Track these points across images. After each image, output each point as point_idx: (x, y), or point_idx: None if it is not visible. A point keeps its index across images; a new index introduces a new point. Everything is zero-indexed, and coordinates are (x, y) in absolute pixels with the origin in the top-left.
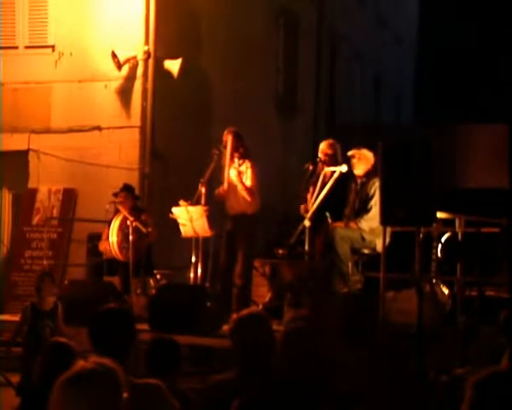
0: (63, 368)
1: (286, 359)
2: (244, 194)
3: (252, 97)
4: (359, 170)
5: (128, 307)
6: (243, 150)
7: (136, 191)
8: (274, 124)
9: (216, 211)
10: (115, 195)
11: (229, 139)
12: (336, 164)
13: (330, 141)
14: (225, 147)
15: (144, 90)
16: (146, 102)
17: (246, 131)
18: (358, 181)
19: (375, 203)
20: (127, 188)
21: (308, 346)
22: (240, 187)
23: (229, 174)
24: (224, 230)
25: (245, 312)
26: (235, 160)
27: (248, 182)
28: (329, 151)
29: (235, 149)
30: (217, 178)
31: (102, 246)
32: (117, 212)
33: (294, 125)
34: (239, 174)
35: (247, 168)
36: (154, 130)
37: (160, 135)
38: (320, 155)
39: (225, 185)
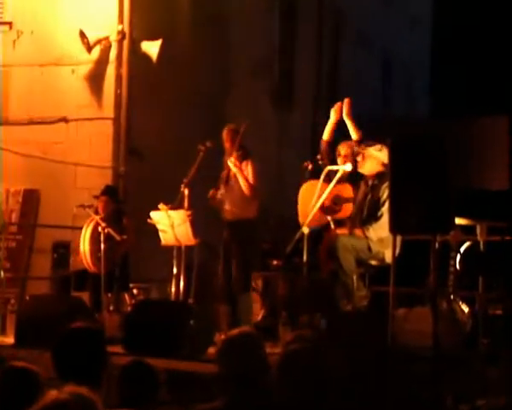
0: (26, 400)
1: (285, 385)
2: (245, 189)
3: (242, 87)
4: (365, 169)
5: (99, 327)
6: (242, 152)
7: None
8: (268, 117)
9: (202, 216)
10: (96, 198)
11: (227, 139)
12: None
13: (349, 143)
14: (230, 144)
15: (118, 77)
16: (120, 90)
17: (236, 125)
18: (369, 182)
19: (386, 210)
20: (109, 191)
21: (312, 370)
22: (242, 181)
23: (229, 170)
24: (220, 240)
25: (235, 332)
26: (234, 155)
27: (250, 179)
28: (347, 153)
29: (234, 148)
30: (205, 176)
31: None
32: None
33: (292, 119)
34: (239, 164)
35: (247, 165)
36: (130, 122)
37: (136, 128)
38: (340, 160)
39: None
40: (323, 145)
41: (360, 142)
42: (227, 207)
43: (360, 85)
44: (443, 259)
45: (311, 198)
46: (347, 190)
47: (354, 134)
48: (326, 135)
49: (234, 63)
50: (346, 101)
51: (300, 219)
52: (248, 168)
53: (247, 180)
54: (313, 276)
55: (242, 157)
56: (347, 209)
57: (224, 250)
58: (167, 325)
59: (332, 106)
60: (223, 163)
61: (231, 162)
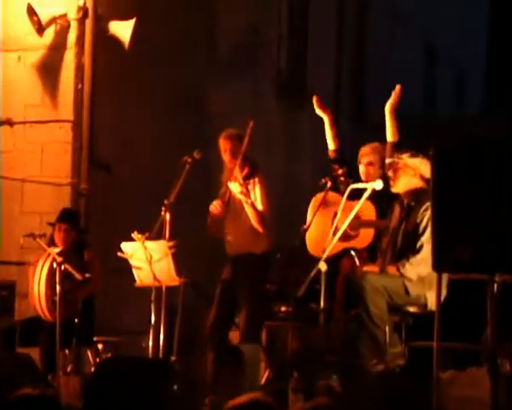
0: None
1: None
2: (254, 221)
3: (239, 79)
4: (399, 186)
5: (53, 393)
6: (249, 167)
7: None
8: (273, 118)
9: (188, 248)
10: (52, 225)
11: (227, 149)
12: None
13: (376, 145)
14: (231, 156)
15: (79, 67)
16: (82, 85)
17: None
18: (405, 203)
19: (427, 240)
20: (69, 216)
21: None
22: (250, 212)
23: (231, 193)
24: (215, 278)
25: (242, 399)
26: (239, 176)
27: (259, 205)
28: (373, 159)
29: (237, 162)
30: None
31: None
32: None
33: (303, 120)
34: (245, 191)
35: (254, 185)
36: (94, 126)
37: (102, 134)
38: (363, 169)
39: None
40: (331, 157)
41: (396, 146)
42: (229, 238)
43: (394, 77)
44: (505, 305)
45: (325, 221)
46: (368, 211)
47: (392, 135)
48: (329, 142)
49: (225, 48)
50: (397, 89)
51: (311, 249)
52: (256, 190)
53: (255, 209)
54: (333, 327)
55: (249, 175)
56: (366, 237)
57: (223, 291)
58: (142, 391)
59: (356, 103)
60: (219, 181)
61: (236, 188)
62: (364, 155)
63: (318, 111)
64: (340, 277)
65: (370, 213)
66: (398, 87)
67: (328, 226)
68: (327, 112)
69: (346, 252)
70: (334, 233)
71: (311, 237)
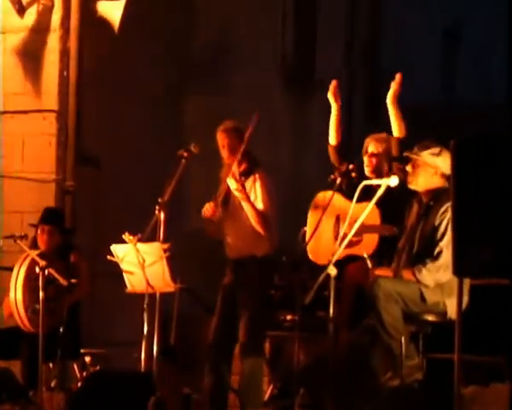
0: None
1: None
2: (253, 222)
3: (243, 64)
4: (417, 183)
5: None
6: (248, 163)
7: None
8: (279, 106)
9: (184, 250)
10: (34, 227)
11: (225, 144)
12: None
13: (382, 136)
14: (229, 152)
15: (64, 51)
16: (67, 71)
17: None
18: (423, 201)
19: (446, 245)
20: (53, 217)
21: None
22: (250, 212)
23: (230, 191)
24: (213, 285)
25: None
26: (236, 171)
27: (259, 204)
28: (380, 151)
29: (236, 157)
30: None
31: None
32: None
33: (313, 109)
34: (241, 187)
35: (254, 183)
36: (81, 117)
37: (90, 125)
38: (366, 161)
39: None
40: (331, 152)
41: (403, 142)
42: (229, 240)
43: (411, 59)
44: None
45: (325, 225)
46: (372, 215)
47: (397, 129)
48: (332, 136)
49: (225, 27)
50: (397, 78)
51: (311, 255)
52: (257, 187)
53: (255, 209)
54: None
55: (248, 170)
56: (370, 243)
57: (224, 299)
58: (133, 408)
59: (370, 89)
60: (216, 176)
61: (233, 186)
62: (369, 146)
63: (331, 96)
64: (344, 286)
65: (375, 217)
66: (398, 76)
67: (329, 231)
68: (338, 101)
69: (351, 259)
70: (342, 239)
71: (310, 244)
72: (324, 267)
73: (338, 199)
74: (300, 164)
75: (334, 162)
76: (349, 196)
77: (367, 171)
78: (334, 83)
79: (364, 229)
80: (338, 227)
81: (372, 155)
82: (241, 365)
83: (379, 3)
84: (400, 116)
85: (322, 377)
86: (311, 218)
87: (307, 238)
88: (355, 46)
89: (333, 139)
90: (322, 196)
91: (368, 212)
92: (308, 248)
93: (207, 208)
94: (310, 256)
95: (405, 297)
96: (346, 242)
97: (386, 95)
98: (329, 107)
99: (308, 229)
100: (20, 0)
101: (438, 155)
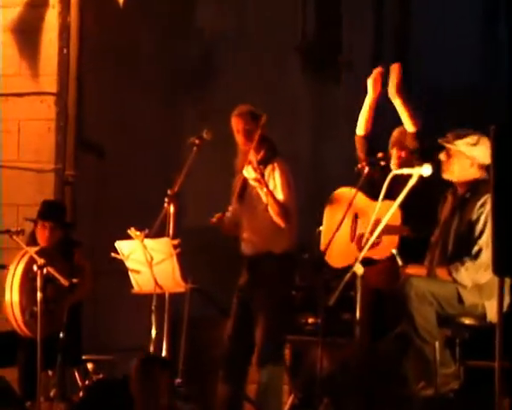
0: None
1: None
2: (273, 214)
3: (259, 46)
4: (452, 174)
5: None
6: (265, 151)
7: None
8: (299, 91)
9: (196, 247)
10: (33, 222)
11: (239, 128)
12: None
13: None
14: (245, 138)
15: (64, 27)
16: (68, 50)
17: (252, 103)
18: (458, 193)
19: (486, 243)
20: (54, 211)
21: None
22: (267, 201)
23: (247, 182)
24: (236, 285)
25: None
26: (253, 159)
27: (279, 194)
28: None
29: (253, 145)
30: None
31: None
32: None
33: (336, 95)
34: (259, 176)
35: (273, 171)
36: (83, 101)
37: (92, 109)
38: (393, 151)
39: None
40: (358, 143)
41: (419, 135)
42: (245, 235)
43: (445, 41)
44: None
45: (346, 220)
46: (393, 215)
47: (409, 123)
48: (361, 126)
49: (240, 6)
50: (395, 68)
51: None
52: (276, 176)
53: (275, 199)
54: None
55: (266, 158)
56: (389, 246)
57: (240, 300)
58: None
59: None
60: (233, 166)
61: (250, 175)
62: (396, 138)
63: (371, 83)
64: (362, 290)
65: (395, 217)
66: (395, 66)
67: (345, 231)
68: (377, 89)
69: (368, 262)
70: (358, 239)
71: (322, 243)
72: (337, 270)
73: (357, 196)
74: (321, 152)
75: (360, 154)
76: (368, 193)
77: (394, 164)
78: (379, 69)
79: (384, 229)
80: (355, 227)
81: (401, 147)
82: (258, 372)
83: None
84: (408, 108)
85: (348, 386)
86: (327, 216)
87: (322, 239)
88: (383, 24)
89: (361, 129)
90: (341, 192)
91: (398, 204)
92: (322, 248)
93: (214, 220)
94: (326, 257)
95: (440, 298)
96: (371, 242)
97: (419, 74)
98: (357, 92)
99: (324, 228)
100: None
101: (475, 145)
